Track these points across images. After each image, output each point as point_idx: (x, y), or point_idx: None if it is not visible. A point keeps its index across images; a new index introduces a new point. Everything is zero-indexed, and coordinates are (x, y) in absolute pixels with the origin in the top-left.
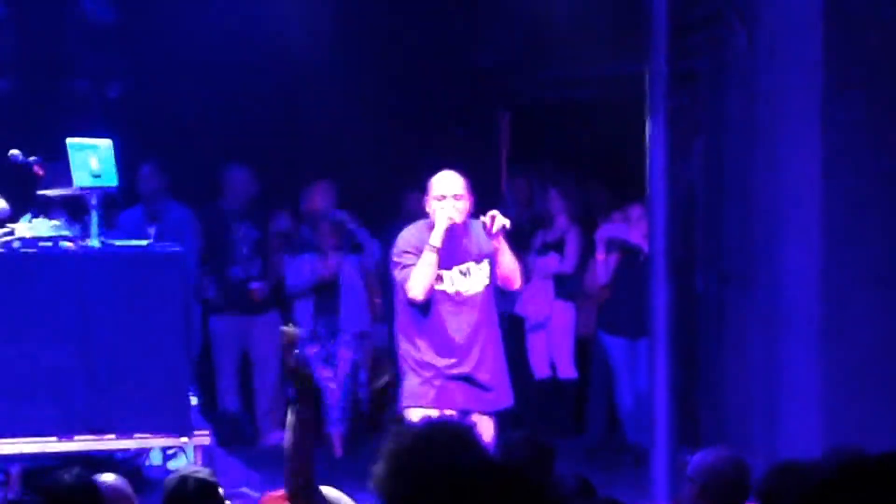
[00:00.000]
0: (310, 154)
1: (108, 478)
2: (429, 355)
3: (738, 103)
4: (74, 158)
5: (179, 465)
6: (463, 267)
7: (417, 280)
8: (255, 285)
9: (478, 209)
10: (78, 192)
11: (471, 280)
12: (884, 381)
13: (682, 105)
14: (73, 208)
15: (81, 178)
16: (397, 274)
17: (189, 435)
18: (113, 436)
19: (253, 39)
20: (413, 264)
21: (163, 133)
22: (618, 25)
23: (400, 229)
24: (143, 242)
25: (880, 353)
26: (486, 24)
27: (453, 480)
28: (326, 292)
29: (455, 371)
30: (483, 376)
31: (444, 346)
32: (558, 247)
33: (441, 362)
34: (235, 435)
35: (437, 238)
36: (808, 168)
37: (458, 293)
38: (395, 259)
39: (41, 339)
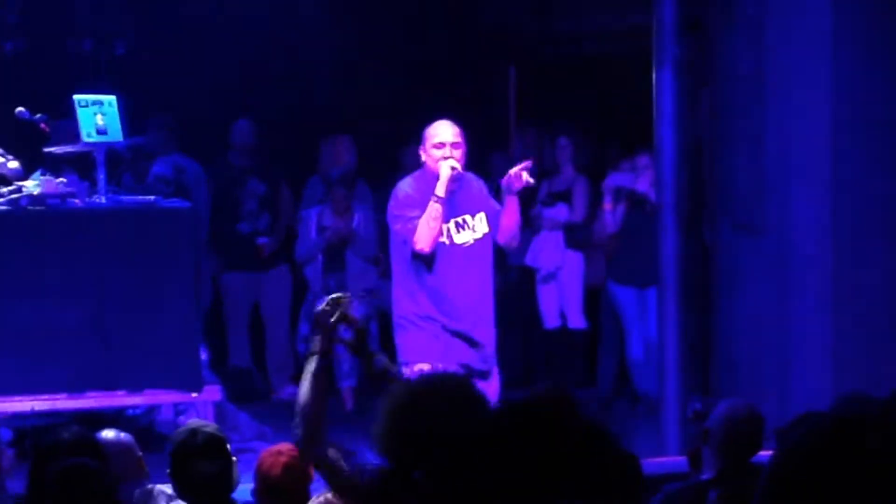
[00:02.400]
0: (316, 110)
1: (109, 433)
2: (430, 310)
3: (745, 53)
4: (81, 115)
5: (190, 419)
6: (459, 219)
7: (424, 233)
8: (262, 240)
9: (486, 163)
10: (84, 149)
11: (466, 233)
12: (894, 329)
13: (689, 55)
14: (81, 166)
15: (88, 134)
16: (399, 228)
17: (199, 390)
18: (123, 392)
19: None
20: (416, 217)
21: (170, 90)
22: None
23: None
24: (151, 197)
25: (890, 302)
26: None
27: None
28: (335, 249)
29: (454, 327)
30: (479, 333)
31: (443, 300)
32: (565, 197)
33: (441, 317)
34: (247, 390)
35: (441, 188)
36: (818, 118)
37: (453, 245)
38: (396, 213)
39: (50, 296)
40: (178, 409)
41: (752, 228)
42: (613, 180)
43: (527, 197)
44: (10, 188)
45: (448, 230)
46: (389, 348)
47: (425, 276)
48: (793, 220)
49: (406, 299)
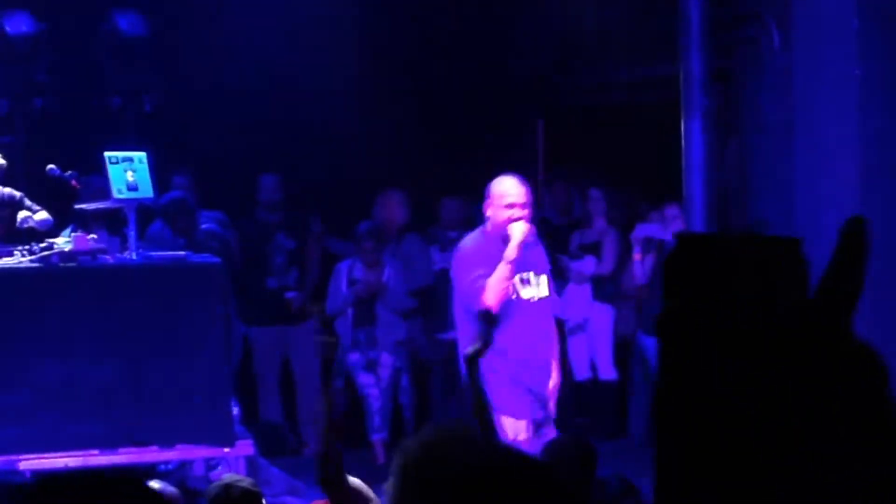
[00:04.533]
0: (346, 164)
1: (154, 485)
2: (498, 363)
3: (773, 102)
4: (111, 171)
5: (222, 476)
6: (524, 275)
7: (493, 291)
8: (290, 295)
9: None
10: (115, 206)
11: (531, 289)
12: None
13: (717, 105)
14: (111, 222)
15: (118, 190)
16: (468, 284)
17: (231, 445)
18: (155, 447)
19: (285, 50)
20: (483, 275)
21: (197, 146)
22: (650, 28)
23: (438, 236)
24: (181, 254)
25: None
26: (520, 31)
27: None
28: (365, 302)
29: (521, 379)
30: (543, 387)
31: (509, 353)
32: (595, 249)
33: (508, 371)
34: (278, 444)
35: (513, 251)
36: (847, 166)
37: (520, 299)
38: (462, 270)
39: (82, 353)
40: (210, 465)
41: None
42: (642, 231)
43: (558, 247)
44: (42, 245)
45: (514, 285)
46: (423, 399)
47: (492, 331)
48: (822, 269)
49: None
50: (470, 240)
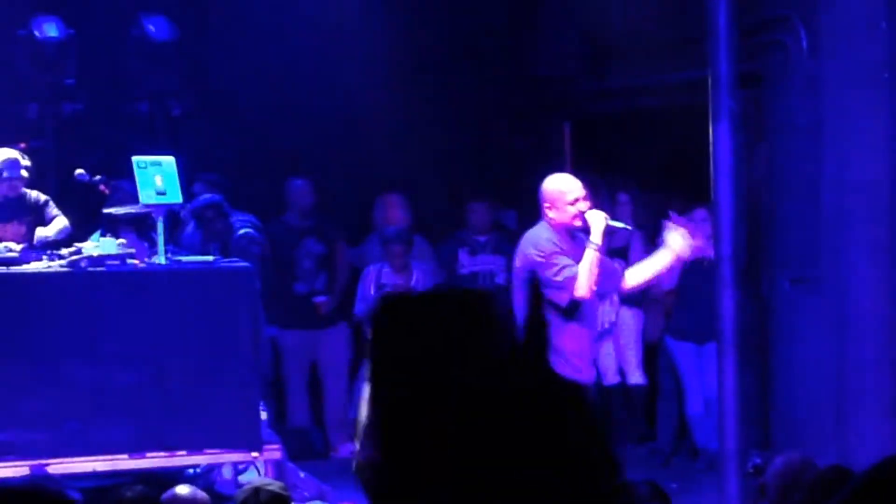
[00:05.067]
0: (371, 166)
1: (184, 490)
2: (571, 358)
3: (802, 105)
4: (139, 176)
5: (251, 479)
6: None
7: (585, 279)
8: (319, 299)
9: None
10: (144, 210)
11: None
12: None
13: (745, 108)
14: (139, 226)
15: (147, 195)
16: (551, 275)
17: (260, 450)
18: (184, 452)
19: (312, 54)
20: (568, 265)
21: (225, 150)
22: (678, 31)
23: (466, 240)
24: (210, 258)
25: None
26: (547, 35)
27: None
28: None
29: (576, 376)
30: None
31: (581, 347)
32: (622, 253)
33: (570, 363)
34: (306, 448)
35: (598, 237)
36: (876, 170)
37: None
38: (543, 260)
39: (111, 357)
40: (238, 469)
41: (810, 281)
42: None
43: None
44: (71, 250)
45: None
46: None
47: (565, 325)
48: (850, 272)
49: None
50: (539, 234)
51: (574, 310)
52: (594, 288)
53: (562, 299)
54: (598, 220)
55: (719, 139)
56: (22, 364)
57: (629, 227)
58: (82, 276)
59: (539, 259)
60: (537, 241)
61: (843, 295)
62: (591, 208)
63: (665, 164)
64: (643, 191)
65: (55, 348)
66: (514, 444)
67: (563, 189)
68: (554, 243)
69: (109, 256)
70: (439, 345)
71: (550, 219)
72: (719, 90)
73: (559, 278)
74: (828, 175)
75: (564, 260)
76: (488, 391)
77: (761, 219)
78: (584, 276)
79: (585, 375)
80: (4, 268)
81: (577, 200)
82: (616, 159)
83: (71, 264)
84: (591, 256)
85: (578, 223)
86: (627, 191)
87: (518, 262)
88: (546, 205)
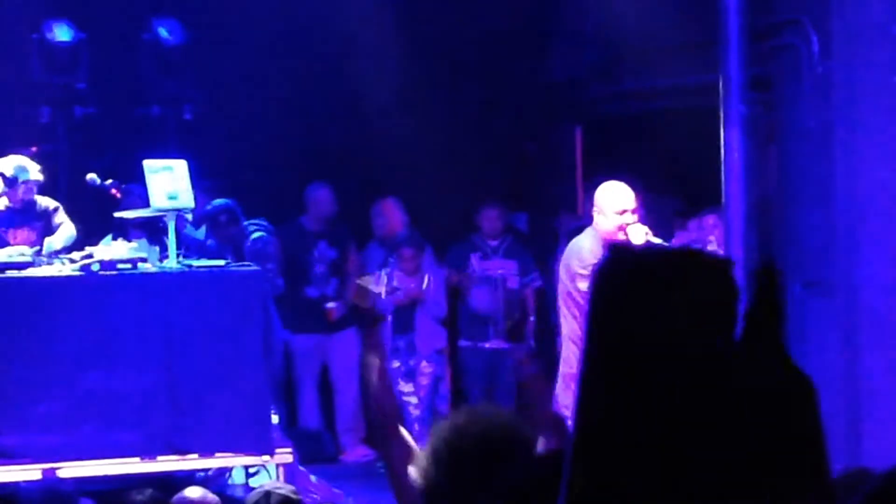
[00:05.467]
0: (382, 171)
1: (194, 493)
2: None
3: (812, 109)
4: (151, 180)
5: (262, 483)
6: None
7: None
8: (330, 305)
9: (552, 221)
10: (155, 214)
11: None
12: None
13: (756, 112)
14: (150, 229)
15: (158, 199)
16: (585, 288)
17: (271, 453)
18: (195, 455)
19: (323, 58)
20: None
21: (237, 153)
22: (690, 35)
23: (479, 244)
24: (221, 262)
25: None
26: (560, 38)
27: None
28: (404, 310)
29: None
30: None
31: None
32: None
33: None
34: (317, 452)
35: None
36: (887, 173)
37: None
38: (583, 271)
39: (122, 361)
40: (250, 473)
41: (821, 286)
42: (681, 240)
43: None
44: (83, 254)
45: None
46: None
47: None
48: (862, 277)
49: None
50: (583, 242)
51: None
52: None
53: None
54: (638, 235)
55: (730, 143)
56: (34, 368)
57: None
58: (94, 280)
59: (580, 271)
60: (580, 251)
61: (856, 298)
62: (633, 224)
63: (676, 168)
64: (653, 194)
65: (67, 352)
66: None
67: (612, 198)
68: (594, 255)
69: (121, 260)
70: (674, 313)
71: (597, 224)
72: (730, 94)
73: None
74: (839, 179)
75: None
76: (714, 380)
77: (773, 222)
78: None
79: None
80: (17, 272)
81: (624, 212)
82: (627, 163)
83: (83, 268)
84: None
85: (622, 235)
86: (638, 195)
87: (562, 271)
88: (595, 209)
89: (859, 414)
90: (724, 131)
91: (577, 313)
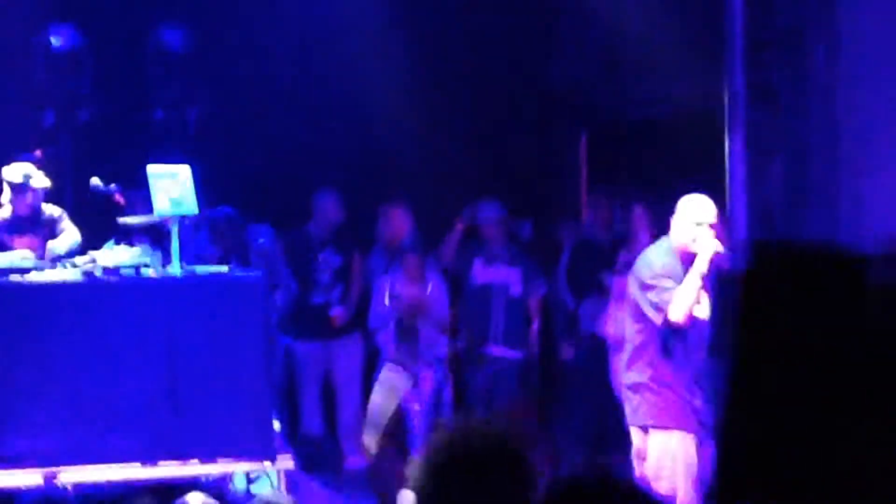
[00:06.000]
0: (387, 176)
1: (194, 499)
2: (670, 378)
3: (818, 120)
4: (154, 185)
5: (263, 489)
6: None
7: (683, 304)
8: (334, 311)
9: (557, 228)
10: (159, 220)
11: (701, 308)
12: None
13: (762, 122)
14: (155, 234)
15: (161, 205)
16: (653, 295)
17: (272, 459)
18: (196, 461)
19: (329, 65)
20: (670, 287)
21: (241, 158)
22: (695, 42)
23: (477, 250)
24: (224, 269)
25: None
26: (565, 45)
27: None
28: (407, 317)
29: (688, 398)
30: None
31: (684, 370)
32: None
33: (679, 387)
34: (319, 459)
35: (703, 264)
36: (893, 185)
37: (696, 318)
38: (652, 281)
39: (124, 367)
40: (251, 479)
41: None
42: None
43: (605, 264)
44: (85, 259)
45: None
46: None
47: (675, 346)
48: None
49: (645, 365)
50: (653, 253)
51: (670, 341)
52: (690, 315)
53: (657, 321)
54: (708, 247)
55: (734, 152)
56: (35, 372)
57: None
58: (97, 285)
59: (649, 281)
60: (652, 261)
61: None
62: (705, 235)
63: (680, 176)
64: (659, 201)
65: (69, 357)
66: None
67: (694, 209)
68: (664, 265)
69: (124, 266)
70: (830, 313)
71: (672, 233)
72: (735, 103)
73: (656, 299)
74: (844, 188)
75: (667, 282)
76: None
77: (776, 231)
78: (680, 300)
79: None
80: (20, 276)
81: (700, 225)
82: (632, 170)
83: (86, 273)
84: (690, 281)
85: (695, 249)
86: (642, 202)
87: (631, 282)
88: (674, 219)
89: None
90: (729, 140)
91: (642, 325)
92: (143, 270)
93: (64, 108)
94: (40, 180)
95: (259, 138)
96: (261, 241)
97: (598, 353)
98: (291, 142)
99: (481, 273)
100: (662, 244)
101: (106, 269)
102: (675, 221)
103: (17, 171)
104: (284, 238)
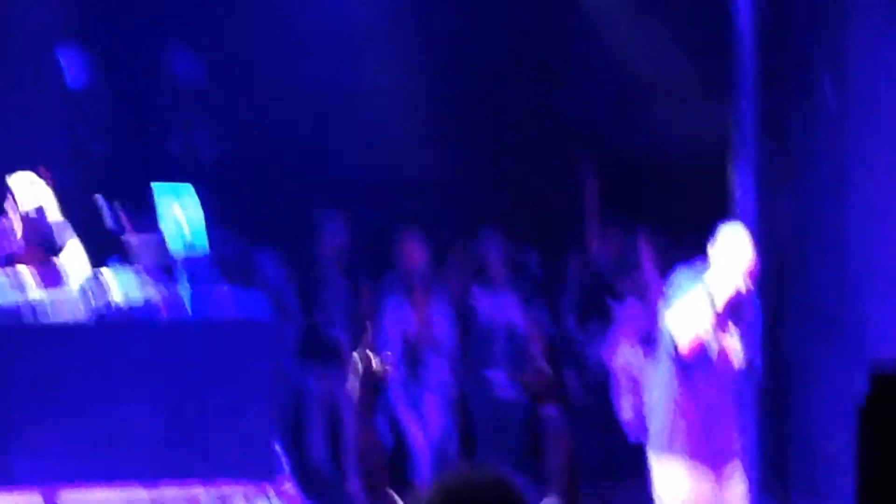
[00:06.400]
0: (397, 203)
1: None
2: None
3: (826, 152)
4: (165, 220)
5: None
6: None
7: (688, 337)
8: (340, 336)
9: (563, 257)
10: (171, 262)
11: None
12: None
13: (770, 152)
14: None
15: (174, 244)
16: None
17: (273, 481)
18: (198, 482)
19: (341, 91)
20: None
21: (254, 191)
22: (704, 73)
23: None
24: (236, 314)
25: None
26: (574, 72)
27: None
28: (412, 344)
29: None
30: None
31: (706, 400)
32: (641, 294)
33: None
34: (321, 484)
35: (722, 303)
36: None
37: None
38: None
39: (131, 402)
40: (251, 501)
41: (830, 329)
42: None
43: (606, 294)
44: (88, 276)
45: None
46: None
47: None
48: (869, 321)
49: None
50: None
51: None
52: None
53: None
54: (731, 289)
55: (742, 184)
56: (39, 394)
57: None
58: (109, 328)
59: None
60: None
61: (866, 347)
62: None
63: (689, 206)
64: (664, 230)
65: (74, 385)
66: None
67: (728, 241)
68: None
69: (135, 302)
70: None
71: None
72: (743, 135)
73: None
74: (851, 222)
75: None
76: None
77: (785, 264)
78: (684, 323)
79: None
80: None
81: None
82: (642, 200)
83: (98, 314)
84: (696, 305)
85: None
86: (647, 231)
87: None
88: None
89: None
90: (736, 172)
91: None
92: (154, 303)
93: (75, 141)
94: (45, 189)
95: (271, 165)
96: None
97: (605, 381)
98: (304, 170)
99: (480, 297)
100: (695, 272)
101: (118, 308)
102: (713, 253)
103: (21, 181)
104: (292, 263)
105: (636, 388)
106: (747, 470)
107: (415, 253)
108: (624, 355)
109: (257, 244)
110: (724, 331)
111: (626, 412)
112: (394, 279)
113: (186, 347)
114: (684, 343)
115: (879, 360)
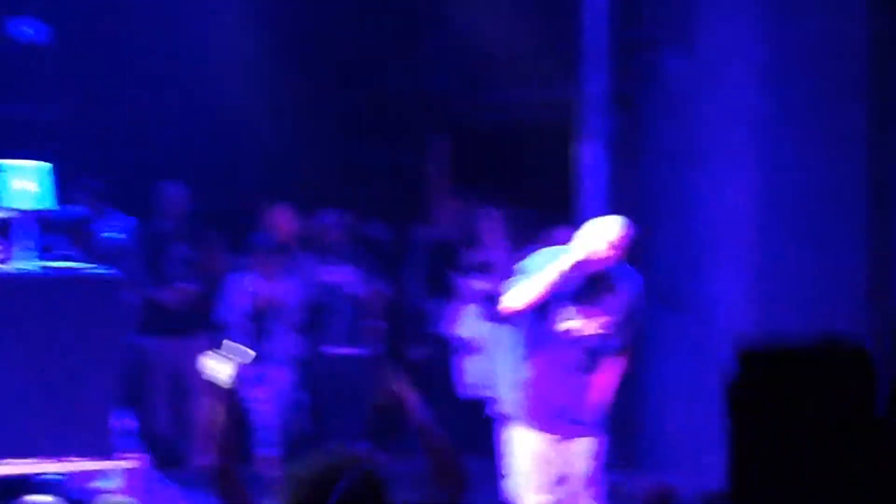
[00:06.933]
0: (244, 172)
1: (34, 499)
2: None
3: (674, 129)
4: (5, 179)
5: (109, 486)
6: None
7: (523, 293)
8: (185, 285)
9: (410, 230)
10: (15, 215)
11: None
12: None
13: (617, 128)
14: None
15: (20, 199)
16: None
17: (118, 457)
18: (39, 459)
19: (188, 58)
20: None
21: (102, 153)
22: (555, 48)
23: (320, 251)
24: (80, 266)
25: None
26: (427, 48)
27: None
28: (260, 316)
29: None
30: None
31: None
32: (485, 268)
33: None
34: (168, 457)
35: (565, 263)
36: (742, 191)
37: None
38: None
39: None
40: (97, 477)
41: (675, 302)
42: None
43: (452, 265)
44: None
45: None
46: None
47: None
48: (714, 294)
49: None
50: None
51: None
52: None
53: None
54: (582, 250)
55: (587, 158)
56: None
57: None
58: None
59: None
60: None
61: (706, 318)
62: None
63: (537, 181)
64: (511, 205)
65: None
66: None
67: (603, 228)
68: (535, 263)
69: None
70: (813, 410)
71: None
72: (591, 110)
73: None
74: (693, 198)
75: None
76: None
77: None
78: (524, 289)
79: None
80: None
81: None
82: (491, 174)
83: None
84: (543, 275)
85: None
86: (494, 205)
87: None
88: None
89: (709, 433)
90: (584, 147)
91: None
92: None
93: None
94: None
95: (121, 133)
96: (108, 235)
97: (446, 353)
98: (154, 137)
99: (324, 273)
100: (552, 250)
101: None
102: (579, 234)
103: None
104: (135, 233)
105: (481, 358)
106: (598, 440)
107: (284, 224)
108: (469, 326)
109: (102, 210)
110: (579, 303)
111: (469, 382)
112: (240, 250)
113: (30, 303)
114: (511, 302)
115: (745, 337)
